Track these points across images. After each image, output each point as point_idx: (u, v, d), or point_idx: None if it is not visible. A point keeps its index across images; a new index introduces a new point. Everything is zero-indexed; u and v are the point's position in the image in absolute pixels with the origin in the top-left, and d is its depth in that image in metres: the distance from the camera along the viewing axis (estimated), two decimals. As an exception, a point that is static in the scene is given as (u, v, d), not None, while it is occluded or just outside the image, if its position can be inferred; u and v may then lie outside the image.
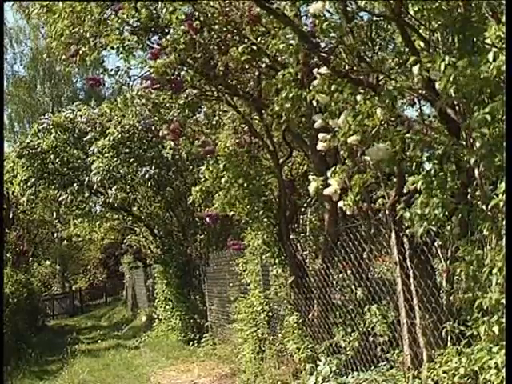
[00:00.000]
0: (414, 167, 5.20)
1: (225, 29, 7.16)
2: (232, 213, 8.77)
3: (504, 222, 4.07)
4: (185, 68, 7.59)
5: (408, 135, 4.95)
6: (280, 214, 8.74)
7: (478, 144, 4.42)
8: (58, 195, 16.82)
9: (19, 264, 22.05)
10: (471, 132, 4.51)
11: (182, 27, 6.88)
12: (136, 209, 18.56)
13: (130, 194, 15.73)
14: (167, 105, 9.30)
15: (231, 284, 11.89)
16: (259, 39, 7.00)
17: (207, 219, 9.54)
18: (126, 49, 7.31)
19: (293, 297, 8.49)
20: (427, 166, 5.11)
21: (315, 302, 8.03)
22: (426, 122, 5.40)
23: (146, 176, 14.28)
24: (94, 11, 7.22)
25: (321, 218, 8.81)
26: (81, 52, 7.53)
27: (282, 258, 8.61)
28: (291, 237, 8.73)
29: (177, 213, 16.89)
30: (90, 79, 9.00)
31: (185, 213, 16.43)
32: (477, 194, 4.75)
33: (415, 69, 4.50)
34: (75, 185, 15.81)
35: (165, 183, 15.74)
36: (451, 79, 4.23)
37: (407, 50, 5.30)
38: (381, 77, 5.64)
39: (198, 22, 7.02)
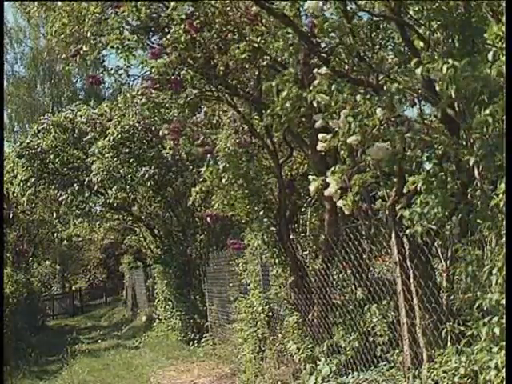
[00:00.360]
0: (414, 167, 5.20)
1: (225, 28, 7.16)
2: (232, 213, 8.76)
3: (504, 222, 4.07)
4: (185, 68, 7.58)
5: (408, 135, 4.95)
6: (280, 214, 8.73)
7: (477, 144, 4.42)
8: (57, 195, 16.81)
9: (19, 264, 22.04)
10: (471, 132, 4.52)
11: (183, 26, 6.87)
12: (136, 209, 18.56)
13: (129, 194, 15.71)
14: (167, 105, 9.29)
15: (231, 284, 11.89)
16: (259, 39, 6.99)
17: (208, 219, 9.54)
18: (126, 48, 7.31)
19: (293, 297, 8.49)
20: (427, 165, 5.12)
21: (315, 302, 8.02)
22: (426, 121, 5.40)
23: (146, 176, 14.27)
24: (93, 11, 7.21)
25: (321, 218, 8.81)
26: (81, 52, 7.52)
27: (282, 258, 8.60)
28: (291, 237, 8.73)
29: (177, 213, 16.89)
30: (89, 77, 9.00)
31: (185, 213, 16.43)
32: (477, 194, 4.75)
33: (418, 71, 4.49)
34: (75, 185, 15.80)
35: (165, 183, 15.74)
36: (452, 80, 4.23)
37: (407, 49, 5.30)
38: (381, 77, 5.64)
39: (198, 21, 7.02)
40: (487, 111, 4.20)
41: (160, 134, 9.18)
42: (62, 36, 7.58)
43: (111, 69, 8.05)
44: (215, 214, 8.90)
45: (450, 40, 5.06)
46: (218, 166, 8.31)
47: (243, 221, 9.02)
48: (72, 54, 7.64)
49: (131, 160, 14.26)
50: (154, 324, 18.11)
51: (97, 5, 7.32)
